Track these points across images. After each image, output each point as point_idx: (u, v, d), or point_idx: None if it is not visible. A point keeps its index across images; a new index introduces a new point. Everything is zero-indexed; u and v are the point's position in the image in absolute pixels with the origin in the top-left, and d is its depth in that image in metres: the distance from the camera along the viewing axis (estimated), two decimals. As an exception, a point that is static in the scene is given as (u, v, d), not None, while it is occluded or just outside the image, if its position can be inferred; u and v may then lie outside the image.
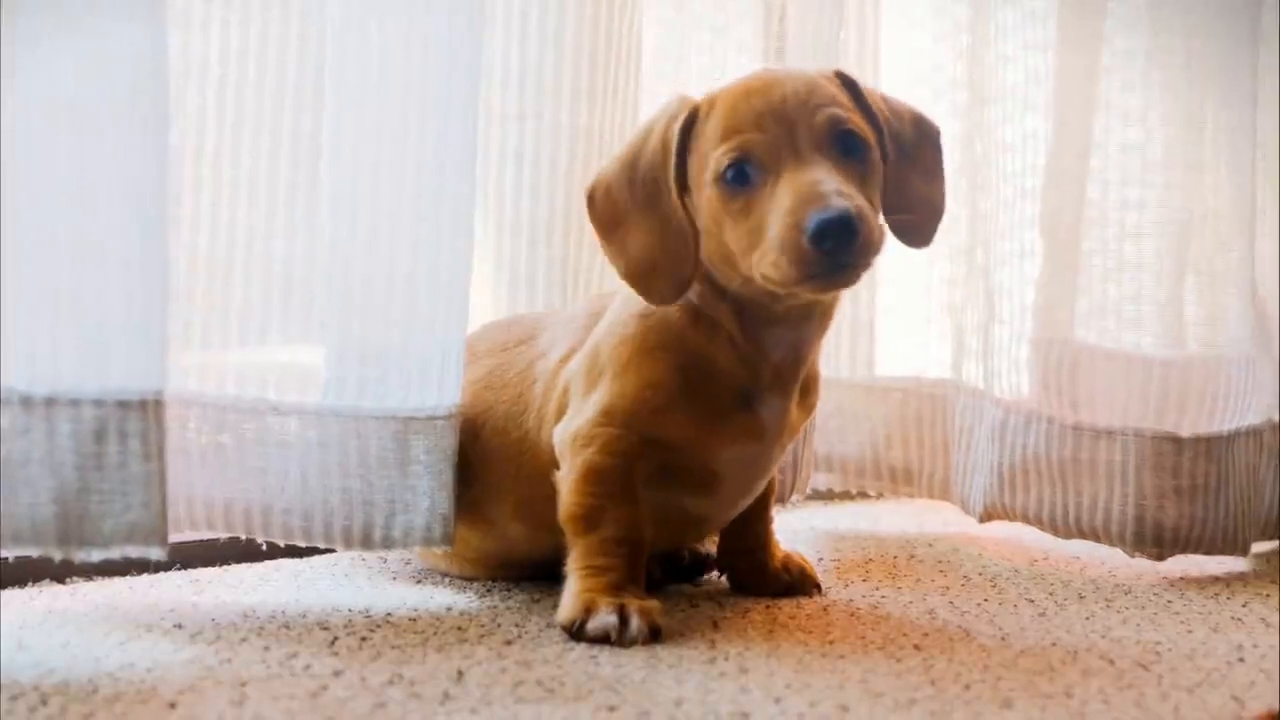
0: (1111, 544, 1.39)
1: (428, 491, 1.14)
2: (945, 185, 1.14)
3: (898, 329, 1.63)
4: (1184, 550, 1.38)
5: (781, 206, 0.99)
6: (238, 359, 1.14)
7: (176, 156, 1.12)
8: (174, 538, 1.23)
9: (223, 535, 1.15)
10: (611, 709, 0.87)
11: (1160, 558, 1.38)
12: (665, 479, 1.11)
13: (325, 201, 1.13)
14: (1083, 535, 1.40)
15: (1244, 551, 1.41)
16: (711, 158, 1.04)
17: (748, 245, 1.02)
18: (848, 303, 1.58)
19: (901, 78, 1.59)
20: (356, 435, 1.13)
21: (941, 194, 1.14)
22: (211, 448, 1.12)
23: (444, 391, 1.14)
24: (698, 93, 1.09)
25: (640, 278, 1.08)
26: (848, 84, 1.09)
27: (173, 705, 0.86)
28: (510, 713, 0.87)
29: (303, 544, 1.15)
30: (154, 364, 0.99)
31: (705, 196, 1.05)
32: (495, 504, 1.17)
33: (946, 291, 1.57)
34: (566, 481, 1.09)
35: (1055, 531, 1.42)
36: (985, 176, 1.48)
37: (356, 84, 1.12)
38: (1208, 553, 1.39)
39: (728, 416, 1.09)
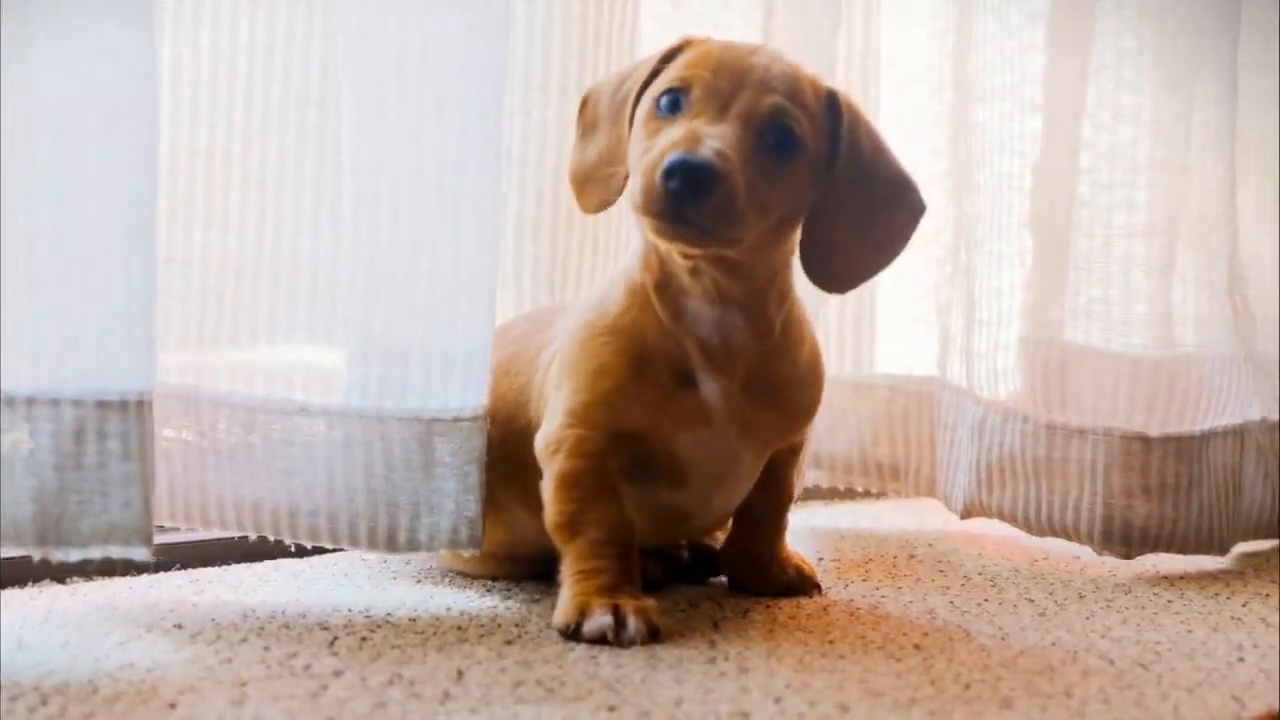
0: (1081, 542, 1.40)
1: (452, 494, 1.14)
2: (895, 257, 1.12)
3: (889, 328, 1.63)
4: (1154, 549, 1.38)
5: (664, 140, 1.01)
6: (266, 358, 1.15)
7: (206, 157, 1.13)
8: (175, 538, 1.25)
9: (252, 535, 1.16)
10: (611, 709, 0.87)
11: (1128, 556, 1.39)
12: (638, 474, 1.11)
13: (348, 199, 1.14)
14: (1054, 533, 1.41)
15: (1221, 551, 1.41)
16: (660, 80, 1.06)
17: (635, 169, 1.03)
18: (837, 302, 1.58)
19: (900, 76, 1.59)
20: (380, 437, 1.13)
21: (884, 262, 1.13)
22: (241, 447, 1.13)
23: (468, 392, 1.14)
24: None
25: (580, 182, 1.13)
26: (831, 103, 1.08)
27: (173, 705, 0.86)
28: (510, 713, 0.87)
29: (329, 545, 1.16)
30: (135, 364, 0.99)
31: (641, 114, 1.07)
32: (506, 489, 1.17)
33: (935, 292, 1.57)
34: (546, 490, 1.10)
35: (1029, 529, 1.42)
36: (973, 178, 1.48)
37: (376, 81, 1.12)
38: (1180, 552, 1.39)
39: (672, 395, 1.09)
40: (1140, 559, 1.41)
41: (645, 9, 1.44)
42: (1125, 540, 1.38)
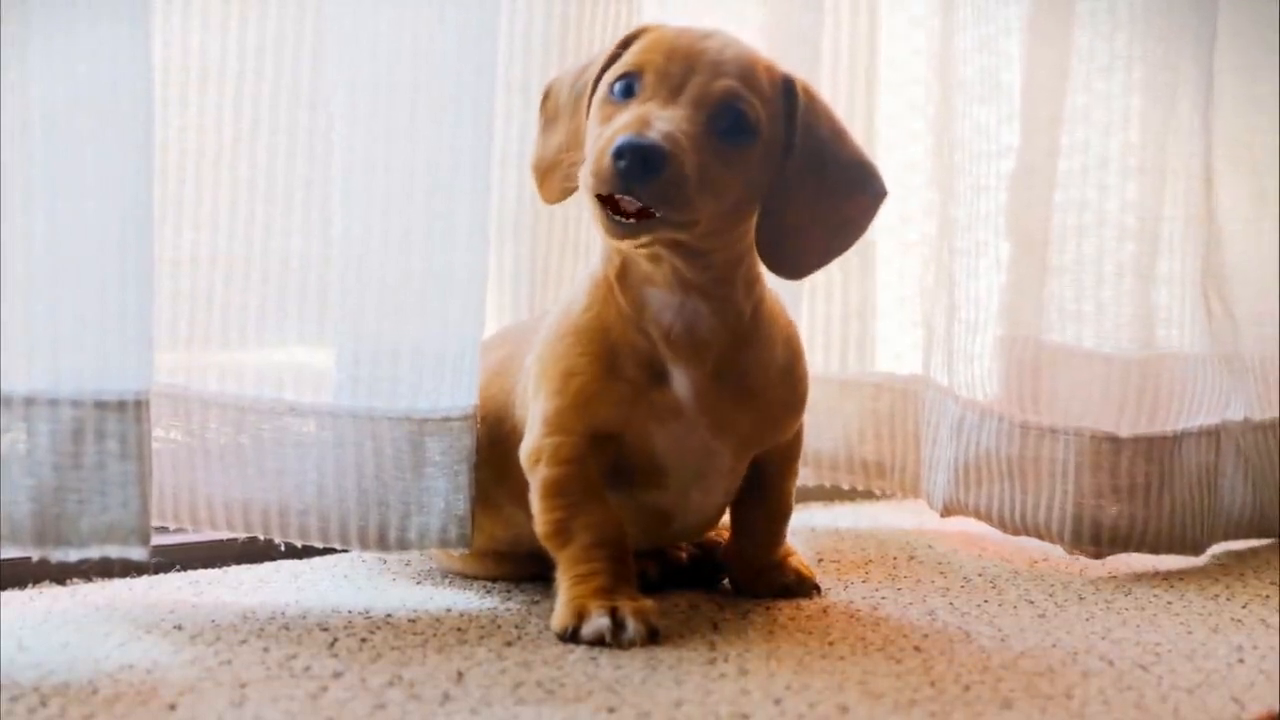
0: (1052, 541, 1.40)
1: (443, 493, 1.14)
2: (852, 243, 1.13)
3: (886, 327, 1.63)
4: (1124, 549, 1.39)
5: (616, 124, 1.01)
6: (256, 358, 1.15)
7: (196, 157, 1.14)
8: (175, 538, 1.25)
9: (242, 535, 1.17)
10: (611, 710, 0.87)
11: (1098, 556, 1.39)
12: (617, 478, 1.11)
13: (338, 199, 1.14)
14: (1027, 532, 1.41)
15: (1195, 551, 1.42)
16: (615, 67, 1.07)
17: (589, 153, 1.03)
18: (823, 301, 1.57)
19: (900, 78, 1.59)
20: (371, 436, 1.13)
21: (841, 247, 1.12)
22: (231, 447, 1.13)
23: (458, 392, 1.14)
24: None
25: (541, 172, 1.13)
26: (787, 89, 1.08)
27: (173, 706, 0.86)
28: (510, 714, 0.87)
29: (320, 545, 1.16)
30: (133, 364, 0.99)
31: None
32: (498, 487, 1.17)
33: (923, 292, 1.57)
34: (534, 501, 1.10)
35: (1004, 528, 1.43)
36: (964, 179, 1.47)
37: (367, 81, 1.12)
38: (1152, 551, 1.39)
39: (643, 390, 1.09)
40: (1141, 560, 1.41)
41: (636, 8, 1.44)
42: (1095, 540, 1.38)
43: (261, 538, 1.16)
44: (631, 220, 1.00)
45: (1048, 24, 1.45)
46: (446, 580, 1.25)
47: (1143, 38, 1.42)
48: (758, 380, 1.12)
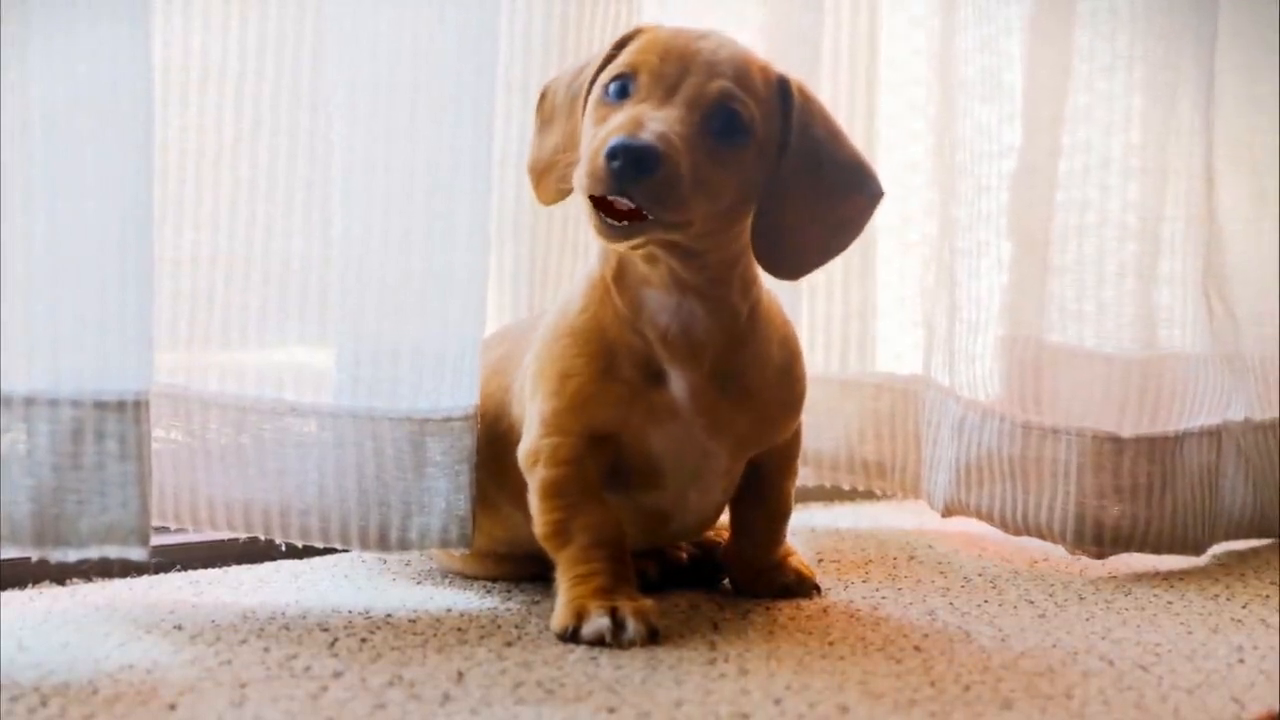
0: (1054, 541, 1.40)
1: (444, 493, 1.14)
2: (848, 244, 1.12)
3: (887, 326, 1.63)
4: (1126, 549, 1.39)
5: (610, 125, 1.01)
6: (256, 358, 1.15)
7: (196, 157, 1.14)
8: (175, 538, 1.25)
9: (243, 535, 1.17)
10: (611, 710, 0.87)
11: (1100, 556, 1.39)
12: (615, 478, 1.11)
13: (339, 199, 1.14)
14: (1029, 533, 1.41)
15: (1196, 551, 1.42)
16: (610, 68, 1.06)
17: (583, 155, 1.03)
18: (823, 301, 1.57)
19: (900, 78, 1.59)
20: (372, 436, 1.14)
21: (838, 248, 1.12)
22: (232, 448, 1.13)
23: (459, 392, 1.15)
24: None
25: (537, 173, 1.13)
26: (782, 89, 1.08)
27: (173, 706, 0.86)
28: (510, 714, 0.87)
29: (320, 545, 1.16)
30: (133, 364, 0.99)
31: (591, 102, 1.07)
32: (498, 488, 1.18)
33: (925, 292, 1.57)
34: (532, 502, 1.10)
35: (1005, 528, 1.43)
36: (965, 180, 1.47)
37: (367, 81, 1.12)
38: (1154, 551, 1.40)
39: (639, 391, 1.09)
40: (1141, 560, 1.41)
41: (636, 8, 1.44)
42: (1097, 540, 1.38)
43: (262, 538, 1.16)
44: (624, 223, 1.00)
45: (1049, 24, 1.45)
46: (446, 580, 1.25)
47: (1144, 37, 1.42)
48: (754, 381, 1.12)
